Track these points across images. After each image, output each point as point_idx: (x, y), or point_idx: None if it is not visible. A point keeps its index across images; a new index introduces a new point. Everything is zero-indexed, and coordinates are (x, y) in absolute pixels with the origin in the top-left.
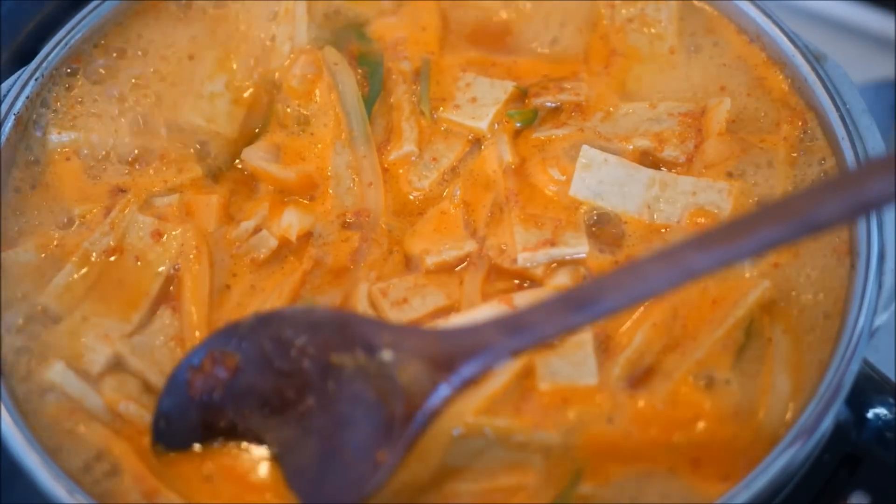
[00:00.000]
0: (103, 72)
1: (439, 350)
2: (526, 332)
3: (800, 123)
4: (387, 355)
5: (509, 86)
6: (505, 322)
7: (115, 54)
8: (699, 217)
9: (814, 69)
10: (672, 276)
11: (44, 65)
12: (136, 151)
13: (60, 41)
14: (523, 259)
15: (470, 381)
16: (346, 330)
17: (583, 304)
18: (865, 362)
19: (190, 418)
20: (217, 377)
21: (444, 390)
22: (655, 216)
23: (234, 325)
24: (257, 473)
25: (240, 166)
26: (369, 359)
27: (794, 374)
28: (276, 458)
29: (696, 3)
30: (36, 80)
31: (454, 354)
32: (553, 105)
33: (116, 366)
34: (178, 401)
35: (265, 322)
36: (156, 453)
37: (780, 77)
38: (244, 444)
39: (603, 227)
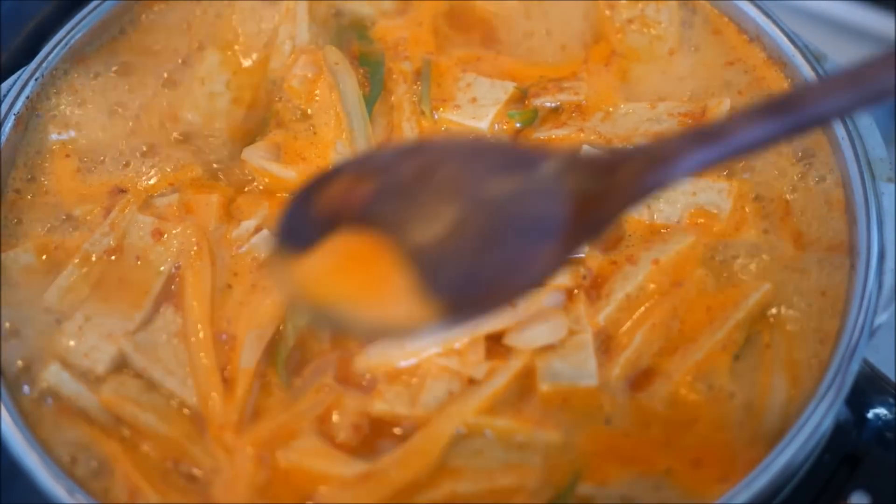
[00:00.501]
0: (103, 71)
1: (620, 161)
2: (719, 142)
3: None
4: (552, 164)
5: (510, 86)
6: (695, 132)
7: (115, 54)
8: (699, 217)
9: (814, 69)
10: (886, 83)
11: (44, 65)
12: (135, 151)
13: (60, 41)
14: None
15: (650, 191)
16: (506, 153)
17: (786, 109)
18: (865, 362)
19: (311, 232)
20: (346, 201)
21: (623, 195)
22: (655, 216)
23: (372, 152)
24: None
25: (241, 166)
26: (529, 175)
27: (793, 375)
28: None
29: (696, 2)
30: (36, 80)
31: (639, 162)
32: (553, 105)
33: (117, 367)
34: (303, 212)
35: (409, 152)
36: (280, 257)
37: (781, 77)
38: None
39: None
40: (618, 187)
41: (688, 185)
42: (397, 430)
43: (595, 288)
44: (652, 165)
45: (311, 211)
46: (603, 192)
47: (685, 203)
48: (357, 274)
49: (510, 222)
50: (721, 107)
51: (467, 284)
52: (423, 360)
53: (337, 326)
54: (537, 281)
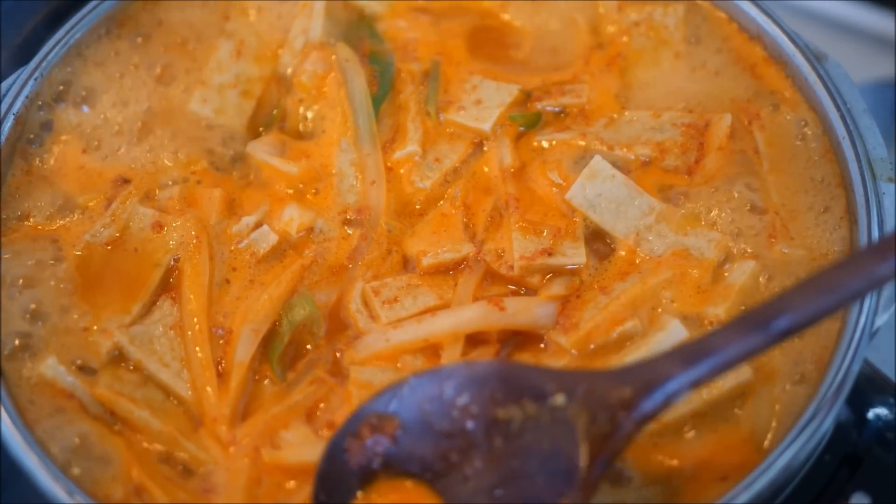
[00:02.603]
0: (111, 60)
1: (615, 389)
2: (706, 361)
3: (802, 124)
4: (559, 400)
5: (514, 89)
6: (682, 352)
7: (122, 44)
8: (681, 259)
9: (814, 69)
10: (860, 285)
11: (43, 64)
12: (141, 142)
13: (60, 41)
14: (520, 267)
15: (651, 416)
16: (510, 381)
17: (765, 323)
18: (866, 362)
19: (349, 487)
20: (376, 444)
21: (626, 428)
22: (641, 245)
23: (389, 389)
24: None
25: (245, 160)
26: (540, 407)
27: (793, 376)
28: None
29: (700, 3)
30: (35, 79)
31: (632, 391)
32: (556, 109)
33: (113, 361)
34: (337, 470)
35: (422, 382)
36: None
37: (782, 76)
38: None
39: (596, 239)
40: (621, 421)
41: (683, 223)
42: None
43: (565, 317)
44: (648, 393)
45: (346, 460)
46: (609, 429)
47: (673, 241)
48: None
49: (532, 456)
50: (723, 122)
51: None
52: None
53: None
54: None
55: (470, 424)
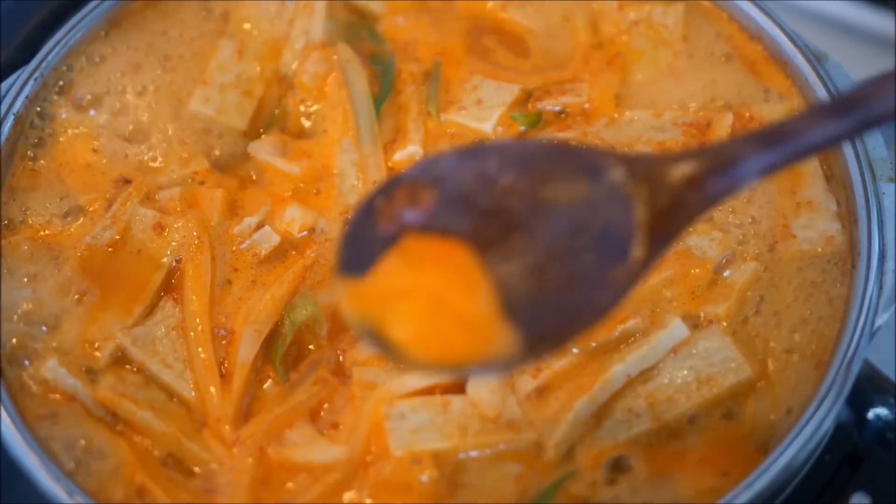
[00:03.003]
0: (112, 59)
1: (681, 166)
2: (783, 145)
3: None
4: (617, 174)
5: (515, 89)
6: (758, 134)
7: (122, 44)
8: (682, 257)
9: (814, 69)
10: None
11: (43, 65)
12: (142, 142)
13: (60, 41)
14: None
15: (717, 199)
16: (563, 158)
17: (848, 110)
18: (866, 362)
19: (372, 252)
20: (407, 213)
21: (689, 207)
22: None
23: (432, 158)
24: None
25: (247, 160)
26: (594, 183)
27: (793, 376)
28: None
29: (700, 3)
30: (35, 79)
31: (700, 169)
32: (557, 109)
33: (116, 362)
34: (362, 232)
35: (468, 156)
36: (341, 281)
37: (782, 76)
38: None
39: None
40: (684, 199)
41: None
42: None
43: None
44: (717, 172)
45: (374, 227)
46: (671, 205)
47: None
48: (427, 290)
49: (581, 234)
50: (724, 121)
51: (543, 308)
52: None
53: (399, 358)
54: (612, 301)
55: (514, 202)
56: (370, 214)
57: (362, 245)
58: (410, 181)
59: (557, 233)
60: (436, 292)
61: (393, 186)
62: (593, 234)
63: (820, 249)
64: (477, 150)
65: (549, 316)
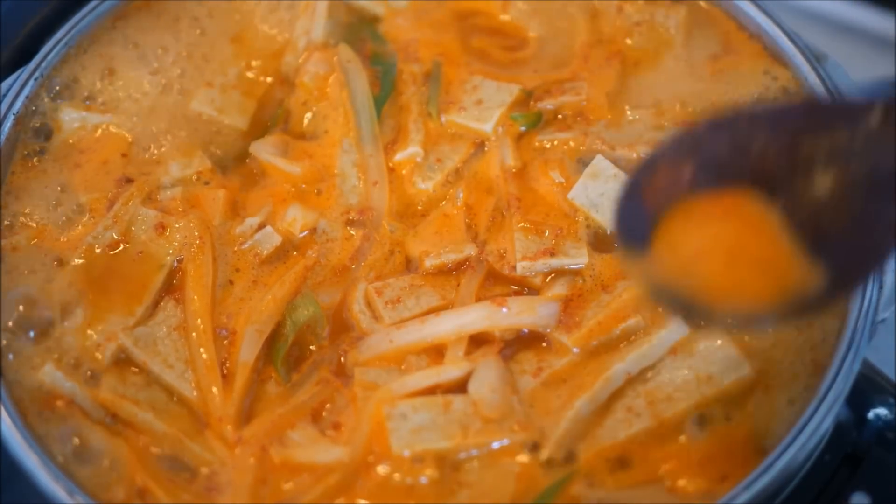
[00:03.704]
0: (115, 59)
1: None
2: None
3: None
4: (875, 118)
5: (515, 89)
6: None
7: (122, 43)
8: None
9: (814, 69)
10: None
11: (43, 64)
12: (144, 141)
13: (60, 41)
14: (522, 268)
15: None
16: (815, 113)
17: None
18: (866, 362)
19: (647, 227)
20: (671, 190)
21: None
22: None
23: (682, 133)
24: None
25: (248, 160)
26: (853, 132)
27: (794, 376)
28: None
29: (700, 3)
30: (35, 79)
31: None
32: (557, 109)
33: (117, 363)
34: (633, 211)
35: (717, 127)
36: (628, 262)
37: (781, 76)
38: None
39: (599, 239)
40: None
41: None
42: None
43: (568, 315)
44: None
45: (642, 206)
46: None
47: None
48: (722, 243)
49: (847, 183)
50: None
51: (835, 243)
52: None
53: (707, 317)
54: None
55: (773, 164)
56: (637, 193)
57: (637, 223)
58: (669, 156)
59: (820, 185)
60: (731, 244)
61: (653, 163)
62: (858, 182)
63: None
64: (726, 120)
65: (845, 251)
